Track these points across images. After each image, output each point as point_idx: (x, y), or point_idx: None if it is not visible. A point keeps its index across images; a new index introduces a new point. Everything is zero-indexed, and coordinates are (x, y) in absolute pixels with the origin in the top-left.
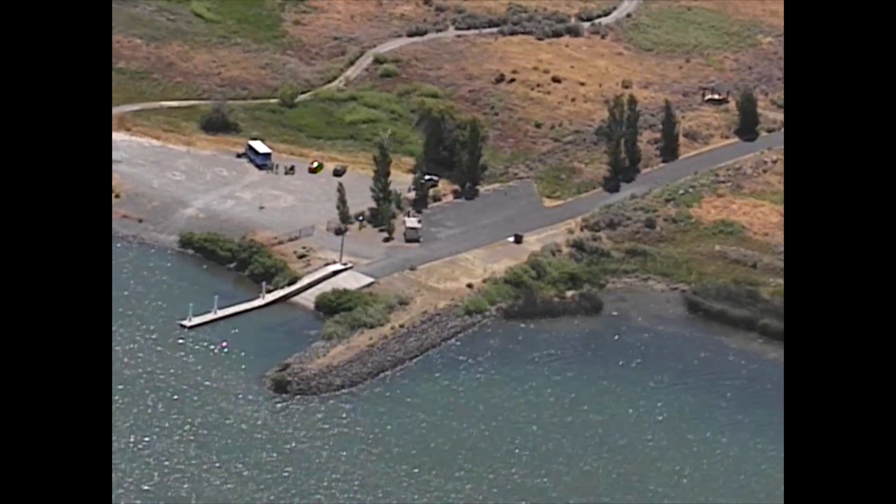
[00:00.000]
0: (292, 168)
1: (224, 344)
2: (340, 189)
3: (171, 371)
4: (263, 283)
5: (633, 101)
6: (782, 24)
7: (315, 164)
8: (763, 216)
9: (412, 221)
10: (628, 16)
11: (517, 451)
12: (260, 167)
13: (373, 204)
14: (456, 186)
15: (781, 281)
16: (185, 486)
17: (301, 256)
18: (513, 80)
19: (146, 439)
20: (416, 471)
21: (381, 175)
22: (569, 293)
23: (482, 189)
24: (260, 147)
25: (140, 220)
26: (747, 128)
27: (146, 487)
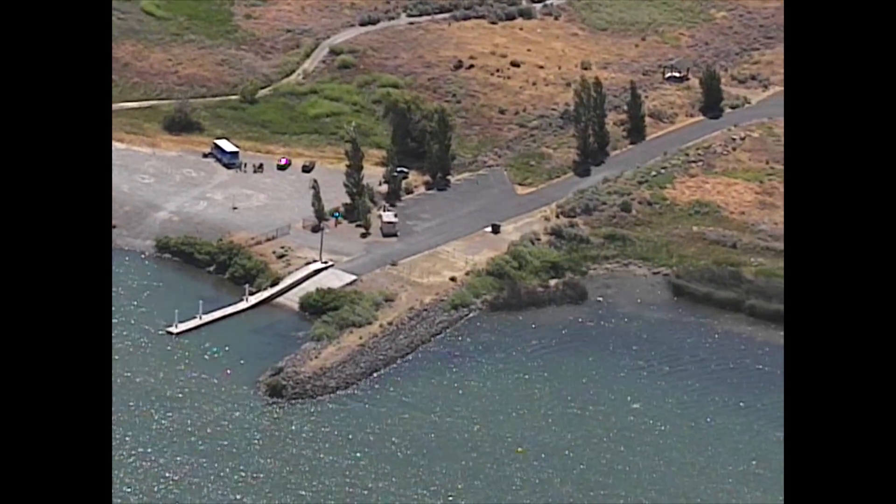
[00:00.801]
0: (261, 166)
1: (228, 372)
2: (315, 186)
3: (163, 378)
4: (246, 286)
5: (598, 83)
6: None
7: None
8: (738, 195)
9: (389, 215)
10: None
11: (514, 444)
12: (228, 166)
13: (344, 199)
14: (427, 177)
15: (763, 260)
16: (188, 496)
17: (280, 256)
18: (472, 66)
19: (142, 449)
20: (414, 469)
21: (355, 169)
22: (552, 282)
23: (453, 179)
24: (227, 146)
25: (114, 226)
26: (712, 105)
27: (146, 498)
